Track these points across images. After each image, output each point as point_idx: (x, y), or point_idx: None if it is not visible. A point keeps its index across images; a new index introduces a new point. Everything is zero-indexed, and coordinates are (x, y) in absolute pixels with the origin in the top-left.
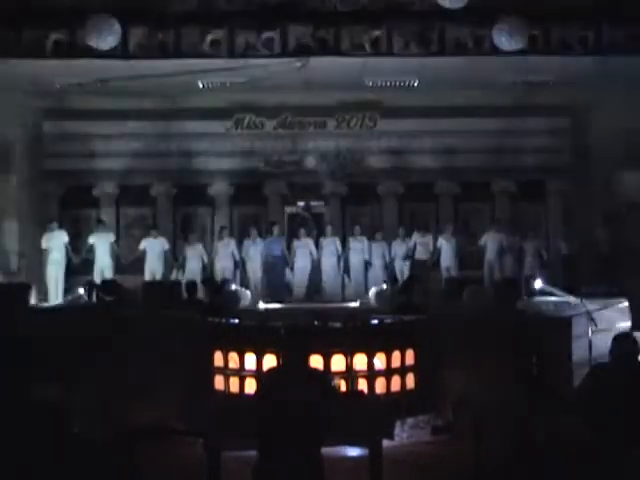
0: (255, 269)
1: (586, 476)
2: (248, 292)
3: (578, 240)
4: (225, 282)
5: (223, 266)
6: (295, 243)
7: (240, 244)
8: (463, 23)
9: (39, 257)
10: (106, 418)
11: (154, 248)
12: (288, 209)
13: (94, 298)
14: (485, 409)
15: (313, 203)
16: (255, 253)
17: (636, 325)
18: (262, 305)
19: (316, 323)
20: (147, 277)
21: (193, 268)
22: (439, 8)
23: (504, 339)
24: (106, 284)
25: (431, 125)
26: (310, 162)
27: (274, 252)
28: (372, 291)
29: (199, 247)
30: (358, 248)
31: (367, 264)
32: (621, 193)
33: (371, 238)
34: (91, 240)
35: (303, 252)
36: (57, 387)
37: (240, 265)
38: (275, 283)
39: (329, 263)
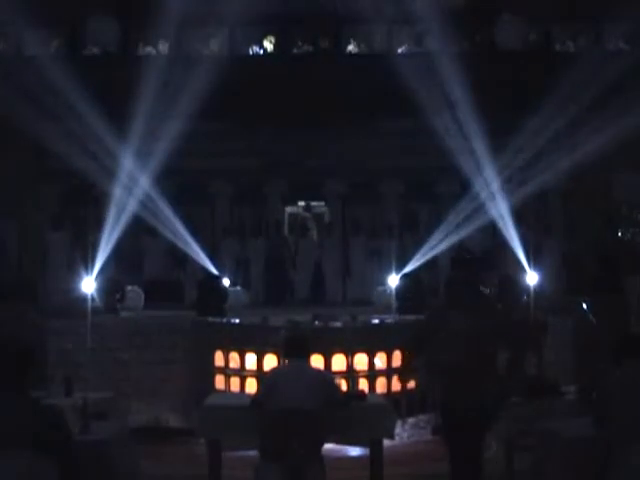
0: (256, 269)
1: (586, 472)
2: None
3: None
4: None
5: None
6: (296, 243)
7: (241, 244)
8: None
9: (40, 257)
10: (107, 418)
11: None
12: (289, 209)
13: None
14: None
15: (313, 203)
16: (256, 253)
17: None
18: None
19: (317, 323)
20: None
21: None
22: None
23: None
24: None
25: None
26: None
27: (275, 252)
28: (376, 292)
29: None
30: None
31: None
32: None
33: (372, 238)
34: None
35: (304, 252)
36: (57, 388)
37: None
38: (277, 284)
39: (330, 264)
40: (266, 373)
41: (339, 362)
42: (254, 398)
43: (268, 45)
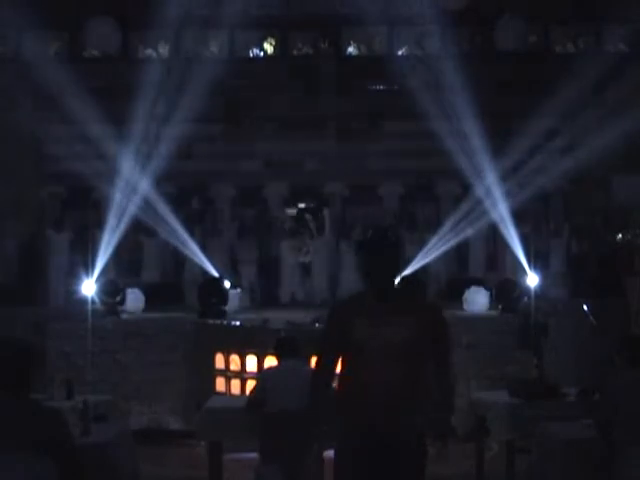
0: (251, 271)
1: (586, 474)
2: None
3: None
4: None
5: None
6: (295, 245)
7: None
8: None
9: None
10: (108, 420)
11: None
12: (288, 211)
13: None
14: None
15: (313, 205)
16: (257, 255)
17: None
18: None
19: (317, 325)
20: None
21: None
22: None
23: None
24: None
25: None
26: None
27: (272, 254)
28: None
29: None
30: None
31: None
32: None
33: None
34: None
35: (303, 254)
36: (58, 391)
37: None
38: (272, 285)
39: (328, 265)
40: (260, 374)
41: (338, 363)
42: (249, 399)
43: (268, 47)
